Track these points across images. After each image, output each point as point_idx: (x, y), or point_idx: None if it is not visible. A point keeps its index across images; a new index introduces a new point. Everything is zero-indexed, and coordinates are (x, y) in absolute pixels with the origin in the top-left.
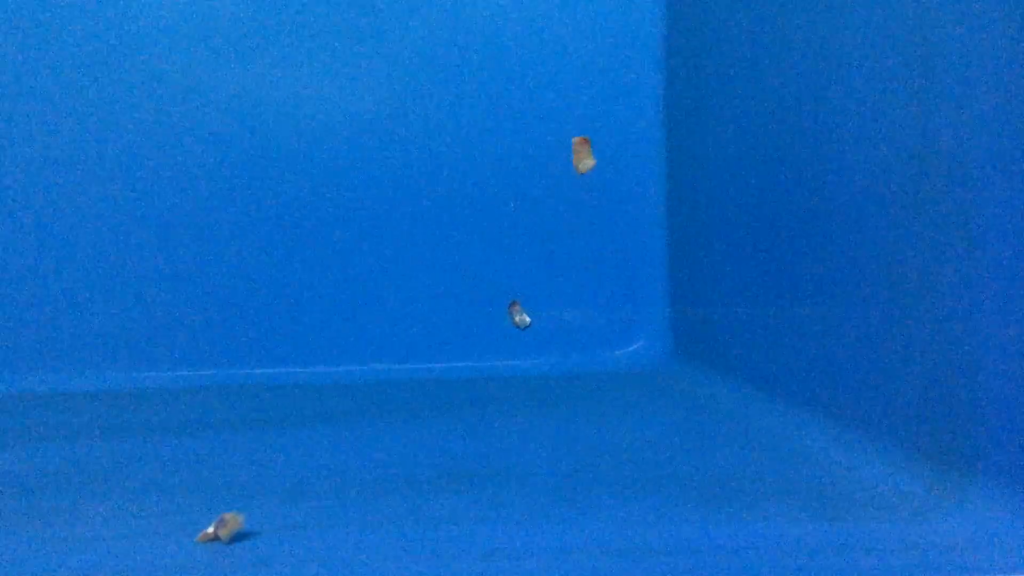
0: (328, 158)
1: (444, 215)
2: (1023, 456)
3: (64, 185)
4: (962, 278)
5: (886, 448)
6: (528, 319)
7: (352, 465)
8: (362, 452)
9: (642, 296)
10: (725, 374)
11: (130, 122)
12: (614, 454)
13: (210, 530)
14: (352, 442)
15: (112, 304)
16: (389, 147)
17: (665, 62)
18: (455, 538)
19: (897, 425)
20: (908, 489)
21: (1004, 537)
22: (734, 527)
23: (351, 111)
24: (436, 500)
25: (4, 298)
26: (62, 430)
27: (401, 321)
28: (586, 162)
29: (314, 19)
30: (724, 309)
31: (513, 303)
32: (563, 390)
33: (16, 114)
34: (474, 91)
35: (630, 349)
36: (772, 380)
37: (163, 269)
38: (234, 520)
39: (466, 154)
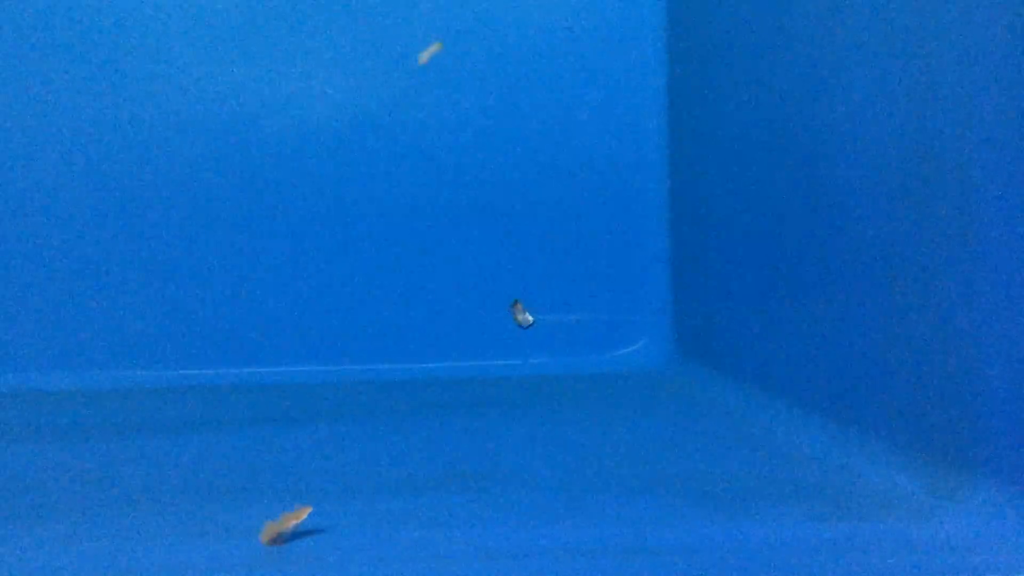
0: (327, 157)
1: (444, 214)
2: (1023, 456)
3: (63, 183)
4: (962, 278)
5: (886, 448)
6: (531, 318)
7: (352, 465)
8: (362, 452)
9: (644, 296)
10: (726, 375)
11: (128, 120)
12: (615, 454)
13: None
14: (352, 442)
15: (112, 303)
16: (389, 146)
17: (668, 61)
18: (455, 538)
19: (897, 425)
20: (908, 489)
21: (1004, 537)
22: (734, 527)
23: (351, 110)
24: (436, 500)
25: (3, 296)
26: (60, 429)
27: (401, 321)
28: None
29: (314, 17)
30: (726, 310)
31: (516, 302)
32: (564, 390)
33: (14, 113)
34: (475, 90)
35: (631, 349)
36: (773, 381)
37: (162, 268)
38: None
39: (466, 153)
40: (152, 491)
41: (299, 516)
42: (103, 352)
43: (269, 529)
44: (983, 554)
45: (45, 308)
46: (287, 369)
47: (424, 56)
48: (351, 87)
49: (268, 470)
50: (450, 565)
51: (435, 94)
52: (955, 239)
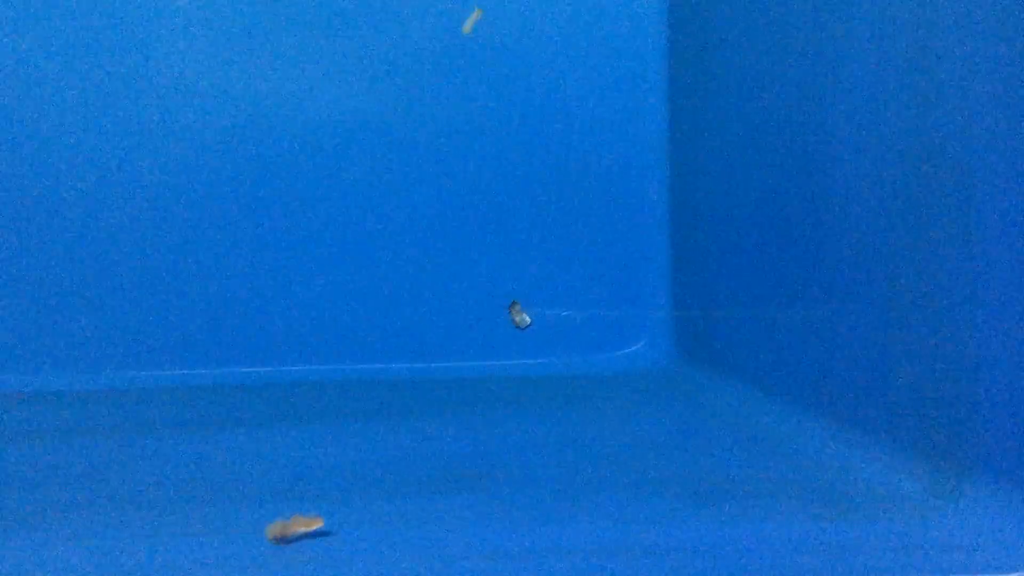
0: (327, 156)
1: (444, 214)
2: (1023, 456)
3: (63, 183)
4: (962, 278)
5: (886, 448)
6: (528, 319)
7: (352, 465)
8: (361, 452)
9: (644, 297)
10: (726, 375)
11: (126, 120)
12: (614, 454)
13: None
14: (352, 442)
15: (111, 303)
16: (388, 145)
17: (668, 61)
18: (455, 538)
19: (897, 425)
20: (908, 489)
21: (1004, 537)
22: (734, 527)
23: (350, 108)
24: (436, 500)
25: (2, 297)
26: (60, 429)
27: (400, 321)
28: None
29: (312, 16)
30: (726, 310)
31: (513, 303)
32: (564, 391)
33: (13, 112)
34: (474, 89)
35: (631, 350)
36: (773, 381)
37: (162, 267)
38: (284, 527)
39: (466, 153)
40: (152, 491)
41: (310, 525)
42: (103, 352)
43: (277, 527)
44: (983, 554)
45: (44, 308)
46: (287, 369)
47: (467, 25)
48: (350, 86)
49: (268, 470)
50: (450, 565)
51: (433, 94)
52: (955, 239)
